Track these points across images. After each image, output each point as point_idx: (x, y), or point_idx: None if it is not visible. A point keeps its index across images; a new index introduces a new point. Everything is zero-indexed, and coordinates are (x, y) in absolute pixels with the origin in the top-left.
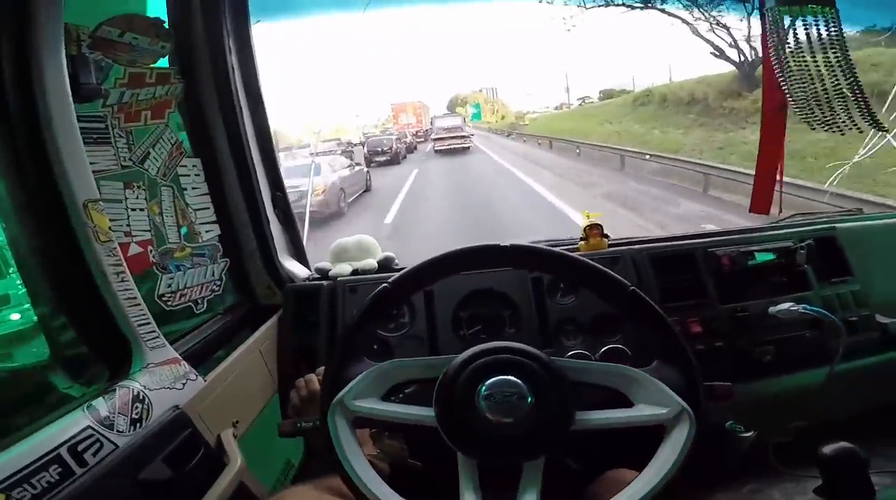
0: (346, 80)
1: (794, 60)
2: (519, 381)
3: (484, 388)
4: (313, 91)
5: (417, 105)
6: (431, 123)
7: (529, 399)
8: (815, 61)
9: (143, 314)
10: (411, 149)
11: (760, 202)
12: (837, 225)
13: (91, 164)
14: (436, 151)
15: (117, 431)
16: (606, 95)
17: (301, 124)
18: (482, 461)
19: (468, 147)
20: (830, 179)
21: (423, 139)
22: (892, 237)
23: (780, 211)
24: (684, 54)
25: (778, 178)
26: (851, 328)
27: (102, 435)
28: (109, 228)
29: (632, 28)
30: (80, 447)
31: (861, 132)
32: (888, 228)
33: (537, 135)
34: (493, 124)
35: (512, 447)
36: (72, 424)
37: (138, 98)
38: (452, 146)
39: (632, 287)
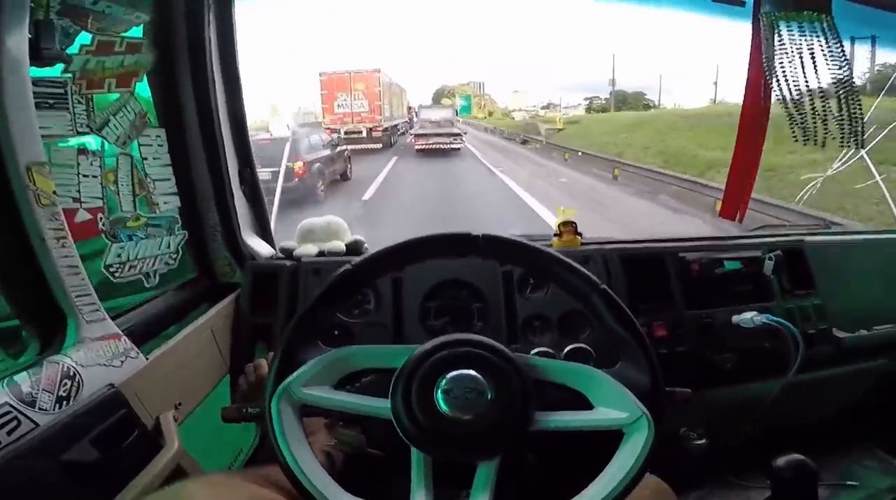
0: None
1: (788, 68)
2: (480, 377)
3: (444, 381)
4: (285, 75)
5: (371, 77)
6: (416, 114)
7: (489, 396)
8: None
9: (83, 284)
10: (342, 175)
11: (730, 208)
12: (806, 238)
13: (44, 128)
14: (417, 151)
15: (39, 409)
16: (619, 98)
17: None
18: (436, 458)
19: (458, 148)
20: (801, 193)
21: (401, 133)
22: (857, 254)
23: (741, 221)
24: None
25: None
26: (809, 341)
27: (21, 412)
28: (54, 191)
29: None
30: None
31: (843, 148)
32: (854, 244)
33: (601, 156)
34: (483, 120)
35: (468, 446)
36: None
37: (104, 66)
38: (439, 146)
39: (602, 285)
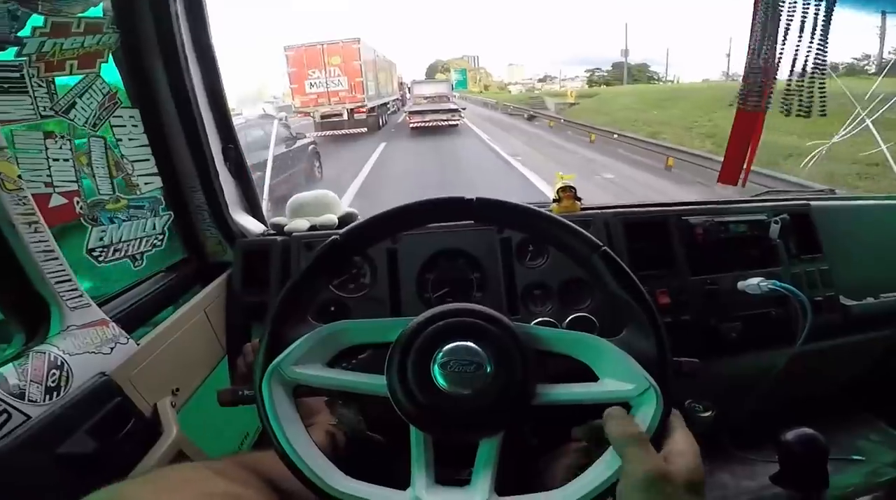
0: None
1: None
2: (479, 348)
3: (441, 354)
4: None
5: (349, 49)
6: (409, 90)
7: (489, 368)
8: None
9: (62, 270)
10: (308, 178)
11: (731, 173)
12: (812, 203)
13: (3, 113)
14: (412, 129)
15: (29, 401)
16: (617, 67)
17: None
18: (435, 437)
19: (456, 125)
20: (807, 159)
21: (393, 111)
22: (863, 220)
23: (744, 184)
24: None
25: (750, 151)
26: (816, 308)
27: (11, 405)
28: (19, 176)
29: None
30: None
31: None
32: (860, 210)
33: (641, 139)
34: (479, 94)
35: (468, 422)
36: None
37: (62, 48)
38: (436, 123)
39: (603, 247)
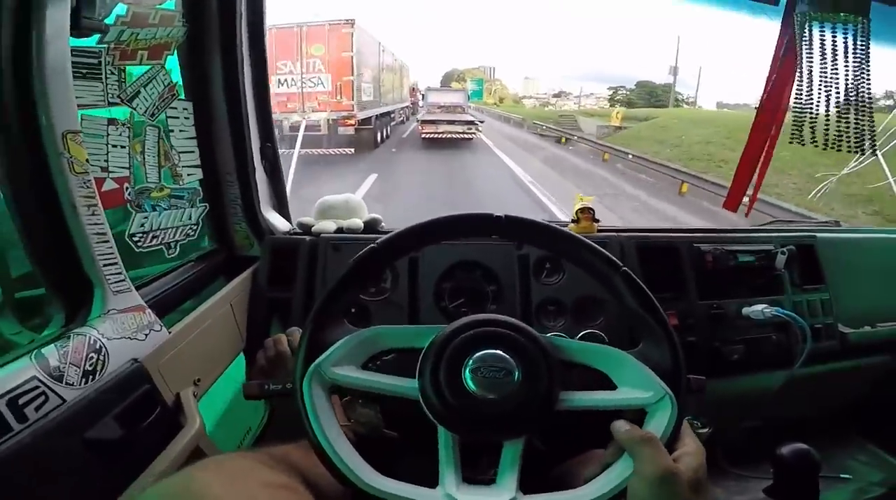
0: None
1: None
2: (508, 356)
3: (472, 361)
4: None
5: (337, 34)
6: (423, 97)
7: (517, 376)
8: (835, 72)
9: (111, 253)
10: None
11: (735, 200)
12: (818, 234)
13: (78, 97)
14: (423, 138)
15: (66, 383)
16: (645, 91)
17: None
18: (464, 438)
19: (471, 138)
20: (816, 190)
21: (401, 121)
22: (865, 252)
23: (748, 214)
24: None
25: (756, 180)
26: (815, 335)
27: (49, 388)
28: (87, 160)
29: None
30: (21, 401)
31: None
32: (863, 242)
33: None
34: (493, 107)
35: (495, 424)
36: (15, 373)
37: (137, 37)
38: (450, 135)
39: (624, 267)
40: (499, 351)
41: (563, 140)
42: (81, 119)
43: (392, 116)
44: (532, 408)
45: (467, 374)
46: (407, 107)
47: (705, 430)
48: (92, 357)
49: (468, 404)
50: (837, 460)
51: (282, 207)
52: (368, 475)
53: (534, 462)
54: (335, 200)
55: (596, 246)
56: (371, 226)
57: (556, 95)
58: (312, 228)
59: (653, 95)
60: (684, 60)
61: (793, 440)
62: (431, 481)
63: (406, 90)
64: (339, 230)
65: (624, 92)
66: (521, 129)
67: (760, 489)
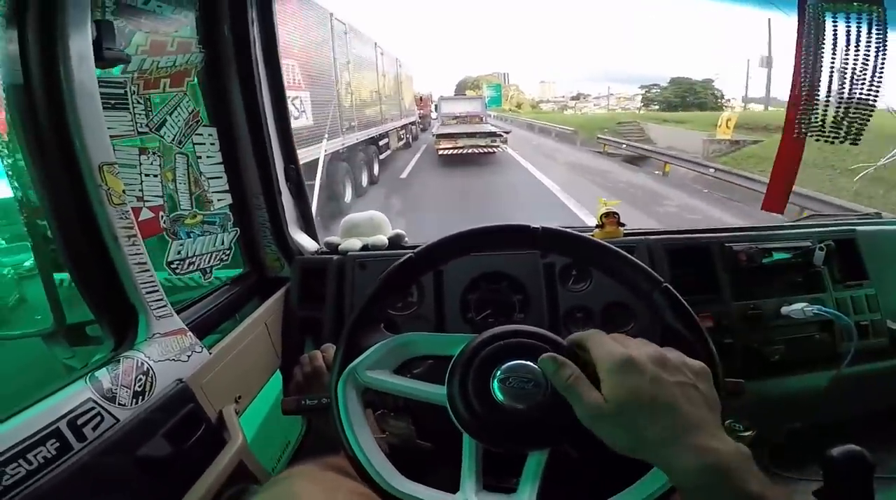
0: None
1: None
2: (537, 367)
3: (500, 371)
4: None
5: None
6: (436, 107)
7: (545, 386)
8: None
9: (152, 281)
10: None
11: (775, 201)
12: (858, 228)
13: (108, 129)
14: (439, 155)
15: (119, 404)
16: (683, 88)
17: None
18: (488, 446)
19: (494, 152)
20: (856, 178)
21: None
22: None
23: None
24: None
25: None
26: (862, 332)
27: (104, 408)
28: (123, 191)
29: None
30: (79, 421)
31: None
32: None
33: None
34: (510, 113)
35: (521, 435)
36: (73, 396)
37: (158, 65)
38: (472, 150)
39: (664, 283)
40: (528, 362)
41: (667, 169)
42: (114, 150)
43: (386, 139)
44: (558, 420)
45: (495, 384)
46: (410, 123)
47: (748, 433)
48: (140, 379)
49: (495, 414)
50: (890, 461)
51: (308, 227)
52: (390, 476)
53: (566, 469)
54: (360, 217)
55: (635, 260)
56: (395, 242)
57: (574, 98)
58: (339, 247)
59: (691, 93)
60: (716, 59)
61: (842, 442)
62: (458, 489)
63: (407, 100)
64: (365, 247)
65: (657, 90)
66: (574, 145)
67: (810, 491)
